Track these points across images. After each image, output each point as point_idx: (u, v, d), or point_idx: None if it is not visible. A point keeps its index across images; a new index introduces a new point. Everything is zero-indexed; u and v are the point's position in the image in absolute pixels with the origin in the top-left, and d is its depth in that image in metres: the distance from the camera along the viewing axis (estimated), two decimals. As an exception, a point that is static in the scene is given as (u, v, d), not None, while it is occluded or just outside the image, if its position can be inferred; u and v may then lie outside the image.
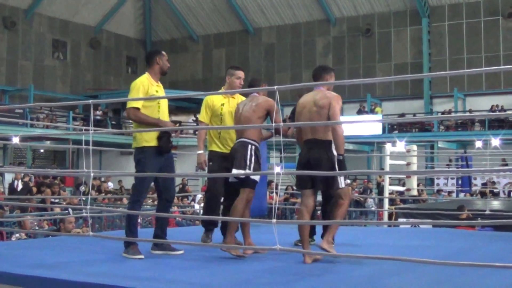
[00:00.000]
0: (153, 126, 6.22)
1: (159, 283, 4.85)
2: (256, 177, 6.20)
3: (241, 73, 7.12)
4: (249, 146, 6.21)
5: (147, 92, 6.32)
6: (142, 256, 6.04)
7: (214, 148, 7.15)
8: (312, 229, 7.02)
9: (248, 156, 6.17)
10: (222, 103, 7.12)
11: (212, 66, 39.76)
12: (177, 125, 6.76)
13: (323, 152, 5.97)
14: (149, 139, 6.26)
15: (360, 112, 32.24)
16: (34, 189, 18.78)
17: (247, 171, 6.10)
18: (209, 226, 7.37)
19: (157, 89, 6.45)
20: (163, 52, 6.65)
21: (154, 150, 6.28)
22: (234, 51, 38.44)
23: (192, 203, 20.65)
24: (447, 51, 32.61)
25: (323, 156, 5.95)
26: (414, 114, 31.97)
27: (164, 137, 6.25)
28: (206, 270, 5.55)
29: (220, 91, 7.14)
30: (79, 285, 4.84)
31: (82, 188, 17.38)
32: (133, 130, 6.44)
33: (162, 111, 6.41)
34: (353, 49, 35.21)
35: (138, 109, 6.24)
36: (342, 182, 5.98)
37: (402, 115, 31.34)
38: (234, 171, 6.11)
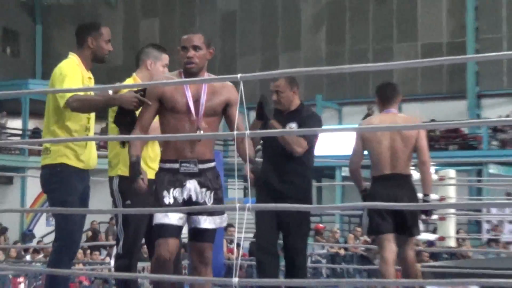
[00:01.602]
0: (103, 107, 6.29)
1: None
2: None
3: (167, 58, 7.08)
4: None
5: (82, 83, 6.36)
6: None
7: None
8: None
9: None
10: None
11: (138, 45, 39.62)
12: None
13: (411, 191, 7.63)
14: (71, 155, 6.29)
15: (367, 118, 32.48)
16: None
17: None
18: None
19: (89, 83, 6.48)
20: (102, 29, 6.56)
21: (76, 173, 6.32)
22: (173, 22, 38.51)
23: (107, 258, 20.66)
24: (503, 24, 32.91)
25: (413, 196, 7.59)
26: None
27: (121, 118, 6.11)
28: None
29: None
30: None
31: None
32: (47, 140, 6.39)
33: (92, 122, 6.55)
34: (359, 21, 35.44)
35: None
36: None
37: (433, 122, 31.54)
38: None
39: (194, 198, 5.60)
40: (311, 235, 23.55)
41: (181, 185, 5.62)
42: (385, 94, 7.77)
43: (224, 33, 37.54)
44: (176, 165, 5.62)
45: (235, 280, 4.95)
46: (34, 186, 31.12)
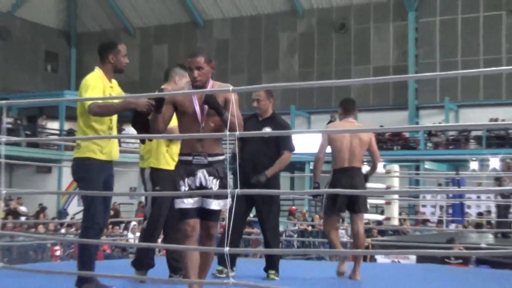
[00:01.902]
0: (121, 110, 6.22)
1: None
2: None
3: None
4: None
5: (103, 93, 6.25)
6: None
7: (163, 165, 7.17)
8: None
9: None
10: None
11: (151, 65, 39.69)
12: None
13: (362, 180, 8.26)
14: (96, 149, 6.21)
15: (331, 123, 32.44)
16: None
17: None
18: (142, 265, 7.34)
19: (111, 91, 6.37)
20: (119, 46, 6.45)
21: (100, 165, 6.24)
22: (179, 47, 38.41)
23: (125, 232, 20.62)
24: (437, 52, 33.01)
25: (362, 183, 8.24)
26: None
27: (137, 120, 6.15)
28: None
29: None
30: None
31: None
32: (79, 137, 6.31)
33: (114, 121, 6.41)
34: (324, 48, 35.46)
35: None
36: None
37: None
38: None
39: (204, 184, 5.53)
40: (285, 215, 23.59)
41: (193, 174, 5.56)
42: (347, 107, 8.28)
43: (219, 56, 37.42)
44: (190, 158, 5.56)
45: (227, 249, 4.96)
46: (68, 175, 30.98)
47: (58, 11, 40.59)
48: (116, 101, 6.26)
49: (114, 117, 6.34)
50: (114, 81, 6.46)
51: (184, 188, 5.60)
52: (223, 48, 37.36)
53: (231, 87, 5.42)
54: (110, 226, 19.65)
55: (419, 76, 22.69)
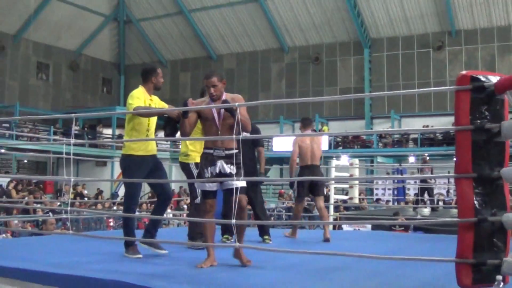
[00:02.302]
0: (157, 114, 6.21)
1: (128, 275, 4.88)
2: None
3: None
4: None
5: (144, 103, 6.17)
6: (140, 256, 5.98)
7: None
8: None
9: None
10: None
11: (178, 88, 39.68)
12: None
13: (321, 173, 8.77)
14: (136, 148, 6.16)
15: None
16: (14, 193, 18.59)
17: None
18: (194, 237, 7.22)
19: (151, 103, 6.28)
20: (158, 70, 6.38)
21: (139, 159, 6.16)
22: (198, 75, 38.34)
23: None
24: (385, 78, 33.03)
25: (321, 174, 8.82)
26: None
27: (168, 125, 6.11)
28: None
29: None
30: (59, 277, 4.86)
31: (64, 194, 17.29)
32: (124, 140, 6.25)
33: (151, 125, 6.28)
34: (304, 75, 35.48)
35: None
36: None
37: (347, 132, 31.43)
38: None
39: (222, 171, 5.42)
40: (276, 196, 23.54)
41: (214, 164, 5.47)
42: (305, 123, 8.74)
43: (227, 81, 36.92)
44: (211, 151, 5.48)
45: (233, 221, 4.92)
46: (118, 168, 31.10)
47: (111, 49, 40.67)
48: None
49: (152, 124, 6.27)
50: (154, 97, 6.39)
51: (207, 174, 5.51)
52: (230, 75, 37.27)
53: (237, 103, 5.32)
54: (149, 204, 19.66)
55: (372, 95, 22.62)
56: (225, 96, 5.70)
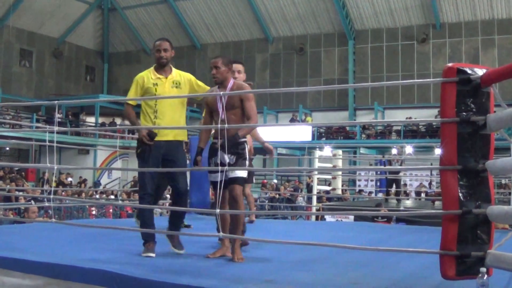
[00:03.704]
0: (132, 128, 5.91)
1: (121, 264, 4.85)
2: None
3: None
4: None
5: (143, 86, 5.72)
6: (151, 255, 5.41)
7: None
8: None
9: None
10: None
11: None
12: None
13: None
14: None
15: (292, 120, 32.35)
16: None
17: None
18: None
19: (157, 81, 5.74)
20: (155, 44, 5.86)
21: (153, 145, 5.63)
22: (182, 64, 38.10)
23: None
24: (369, 69, 33.11)
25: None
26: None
27: (139, 144, 5.66)
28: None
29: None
30: (41, 265, 4.83)
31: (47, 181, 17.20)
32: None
33: (161, 108, 5.71)
34: (288, 66, 35.45)
35: (129, 105, 5.83)
36: None
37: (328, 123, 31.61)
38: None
39: (223, 161, 5.25)
40: (259, 186, 23.57)
41: (216, 154, 5.38)
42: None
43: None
44: (216, 141, 5.35)
45: (217, 210, 4.88)
46: (101, 156, 31.04)
47: (95, 37, 40.45)
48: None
49: (162, 107, 5.70)
50: (174, 76, 5.87)
51: (212, 165, 5.43)
52: (214, 64, 37.05)
53: (221, 93, 5.27)
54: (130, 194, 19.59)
55: (356, 86, 22.77)
56: (232, 83, 5.58)
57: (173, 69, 5.92)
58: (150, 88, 5.72)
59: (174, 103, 5.76)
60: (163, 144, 5.67)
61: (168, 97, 5.72)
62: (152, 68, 5.86)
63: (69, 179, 24.82)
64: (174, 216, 5.87)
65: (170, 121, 5.71)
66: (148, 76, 5.78)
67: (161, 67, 5.80)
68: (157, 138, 5.61)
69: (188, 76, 5.95)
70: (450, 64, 3.83)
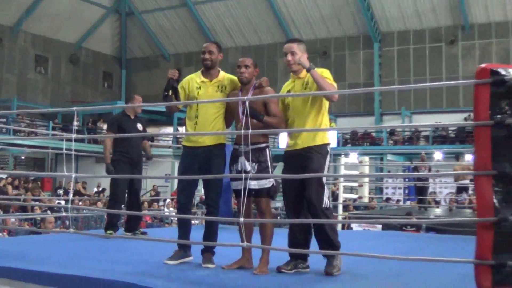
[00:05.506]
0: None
1: (139, 275, 4.84)
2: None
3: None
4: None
5: (187, 88, 5.77)
6: (174, 262, 5.44)
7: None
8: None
9: None
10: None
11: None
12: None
13: None
14: (185, 137, 5.73)
15: (316, 126, 32.20)
16: (10, 189, 18.54)
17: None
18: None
19: (201, 84, 5.72)
20: (203, 45, 5.81)
21: (185, 150, 5.63)
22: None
23: (162, 207, 20.62)
24: (395, 73, 33.01)
25: None
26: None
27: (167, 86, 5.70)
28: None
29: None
30: (59, 277, 4.83)
31: (61, 191, 17.23)
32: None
33: (202, 112, 5.60)
34: (311, 70, 35.41)
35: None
36: None
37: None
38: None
39: (244, 169, 5.09)
40: (280, 195, 23.47)
41: (237, 161, 5.26)
42: None
43: (232, 75, 37.25)
44: (236, 147, 5.30)
45: (241, 219, 4.84)
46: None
47: (113, 42, 40.73)
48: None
49: (203, 111, 5.61)
50: (220, 80, 5.83)
51: (233, 172, 5.31)
52: (235, 69, 36.93)
53: (245, 97, 5.16)
54: (151, 203, 19.62)
55: (382, 89, 22.59)
56: (254, 87, 5.56)
57: (221, 72, 5.88)
58: (193, 91, 5.75)
59: (214, 107, 5.66)
60: (200, 152, 5.60)
61: (190, 102, 5.69)
62: (200, 71, 5.88)
63: (83, 189, 24.93)
64: (207, 231, 5.70)
65: (210, 126, 5.60)
66: (193, 78, 5.83)
67: (207, 70, 5.78)
68: (193, 144, 5.59)
69: (236, 80, 5.82)
70: (483, 65, 3.78)
